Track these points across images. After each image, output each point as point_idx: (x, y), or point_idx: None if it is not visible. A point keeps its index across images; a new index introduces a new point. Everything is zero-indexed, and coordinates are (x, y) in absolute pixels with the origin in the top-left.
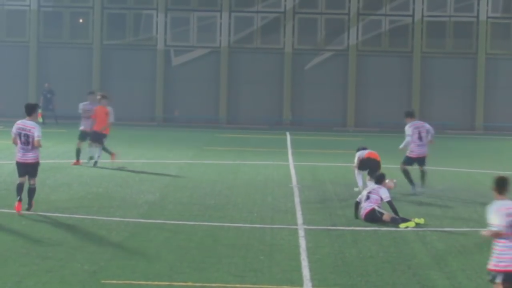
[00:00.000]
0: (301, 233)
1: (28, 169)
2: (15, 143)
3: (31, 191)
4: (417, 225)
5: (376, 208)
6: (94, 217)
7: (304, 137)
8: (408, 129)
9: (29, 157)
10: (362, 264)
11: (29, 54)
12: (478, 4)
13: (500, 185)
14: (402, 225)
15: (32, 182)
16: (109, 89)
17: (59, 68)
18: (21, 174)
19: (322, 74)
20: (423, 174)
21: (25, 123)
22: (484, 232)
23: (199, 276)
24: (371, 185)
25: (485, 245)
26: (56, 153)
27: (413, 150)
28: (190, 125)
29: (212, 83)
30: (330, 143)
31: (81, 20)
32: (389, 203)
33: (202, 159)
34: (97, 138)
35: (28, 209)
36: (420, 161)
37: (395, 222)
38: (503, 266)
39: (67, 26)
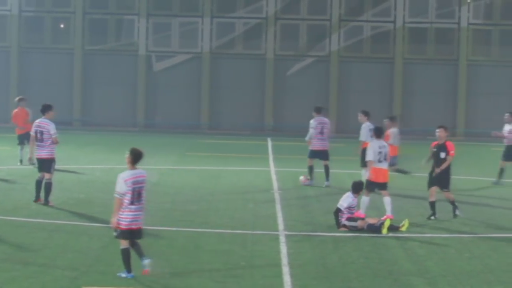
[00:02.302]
0: (282, 239)
1: (42, 165)
2: (33, 140)
3: (46, 186)
4: (393, 227)
5: (346, 223)
6: (76, 222)
7: (286, 143)
8: (312, 122)
9: (43, 153)
10: (343, 270)
11: (10, 59)
12: (460, 11)
13: (134, 158)
14: (384, 231)
15: (47, 177)
16: (90, 94)
17: (41, 73)
18: (38, 169)
19: (304, 80)
20: (326, 168)
21: (41, 121)
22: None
23: (181, 282)
24: None
25: (466, 251)
26: None
27: (315, 144)
28: (172, 131)
29: (194, 88)
30: None
31: (62, 25)
32: (336, 211)
33: (184, 165)
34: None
35: (46, 203)
36: (322, 154)
37: (371, 229)
38: (125, 225)
39: (48, 31)
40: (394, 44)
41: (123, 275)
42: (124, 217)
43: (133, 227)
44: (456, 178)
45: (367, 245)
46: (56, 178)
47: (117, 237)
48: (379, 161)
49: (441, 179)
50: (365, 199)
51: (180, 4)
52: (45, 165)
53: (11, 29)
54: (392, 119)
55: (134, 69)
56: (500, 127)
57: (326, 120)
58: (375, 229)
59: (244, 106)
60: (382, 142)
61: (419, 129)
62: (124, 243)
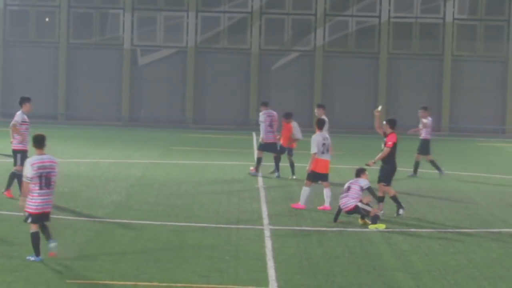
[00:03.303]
0: (267, 233)
1: (13, 156)
2: (12, 131)
3: (9, 175)
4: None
5: (359, 205)
6: (60, 216)
7: None
8: (261, 115)
9: (13, 144)
10: (327, 265)
11: None
12: (445, 6)
13: (34, 143)
14: (372, 226)
15: (15, 168)
16: (75, 88)
17: (25, 67)
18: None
19: (288, 75)
20: (277, 160)
21: (16, 113)
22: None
23: (165, 276)
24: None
25: (450, 246)
26: None
27: (264, 137)
28: (157, 125)
29: (178, 83)
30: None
31: (47, 19)
32: (369, 189)
33: (169, 159)
34: None
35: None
36: (273, 147)
37: (375, 219)
38: (35, 209)
39: (33, 25)
40: (379, 39)
41: (32, 258)
42: (34, 202)
43: (45, 210)
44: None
45: (351, 240)
46: None
47: (26, 221)
48: (322, 153)
49: (380, 172)
50: (306, 189)
51: None
52: (14, 156)
53: None
54: (288, 115)
55: (119, 63)
56: (484, 123)
57: (274, 113)
58: (376, 219)
59: (229, 100)
60: (325, 134)
61: (403, 124)
62: (34, 227)
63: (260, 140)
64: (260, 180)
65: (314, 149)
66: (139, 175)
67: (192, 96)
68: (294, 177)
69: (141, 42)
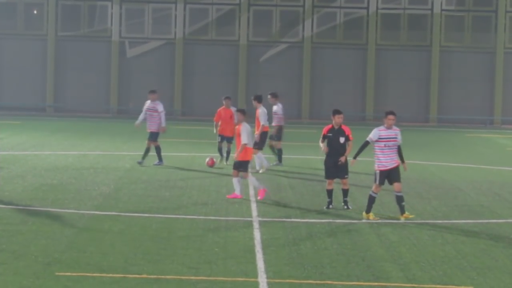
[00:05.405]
0: (256, 225)
1: None
2: None
3: None
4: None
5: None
6: (48, 209)
7: None
8: (160, 106)
9: None
10: (316, 256)
11: None
12: None
13: None
14: (371, 216)
15: None
16: (63, 80)
17: (14, 60)
18: None
19: (277, 66)
20: (156, 149)
21: None
22: None
23: (154, 268)
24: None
25: (439, 237)
26: (10, 145)
27: (158, 127)
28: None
29: (167, 75)
30: (284, 135)
31: (35, 11)
32: (399, 148)
33: None
34: None
35: None
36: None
37: (370, 202)
38: None
39: (21, 17)
40: (367, 31)
41: None
42: None
43: None
44: (429, 164)
45: (340, 231)
46: (29, 164)
47: None
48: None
49: (341, 167)
50: (253, 180)
51: None
52: None
53: None
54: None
55: (107, 55)
56: (472, 114)
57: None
58: (371, 202)
59: (217, 92)
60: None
61: None
62: None
63: (156, 129)
64: (249, 171)
65: (246, 139)
66: (128, 167)
67: (180, 88)
68: (227, 163)
69: (130, 34)
